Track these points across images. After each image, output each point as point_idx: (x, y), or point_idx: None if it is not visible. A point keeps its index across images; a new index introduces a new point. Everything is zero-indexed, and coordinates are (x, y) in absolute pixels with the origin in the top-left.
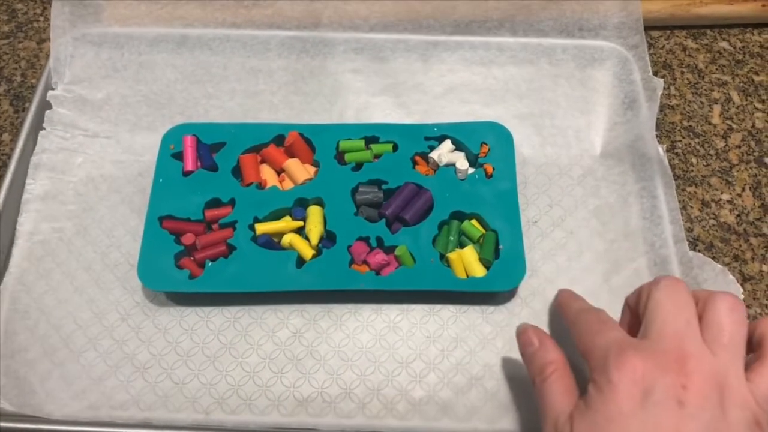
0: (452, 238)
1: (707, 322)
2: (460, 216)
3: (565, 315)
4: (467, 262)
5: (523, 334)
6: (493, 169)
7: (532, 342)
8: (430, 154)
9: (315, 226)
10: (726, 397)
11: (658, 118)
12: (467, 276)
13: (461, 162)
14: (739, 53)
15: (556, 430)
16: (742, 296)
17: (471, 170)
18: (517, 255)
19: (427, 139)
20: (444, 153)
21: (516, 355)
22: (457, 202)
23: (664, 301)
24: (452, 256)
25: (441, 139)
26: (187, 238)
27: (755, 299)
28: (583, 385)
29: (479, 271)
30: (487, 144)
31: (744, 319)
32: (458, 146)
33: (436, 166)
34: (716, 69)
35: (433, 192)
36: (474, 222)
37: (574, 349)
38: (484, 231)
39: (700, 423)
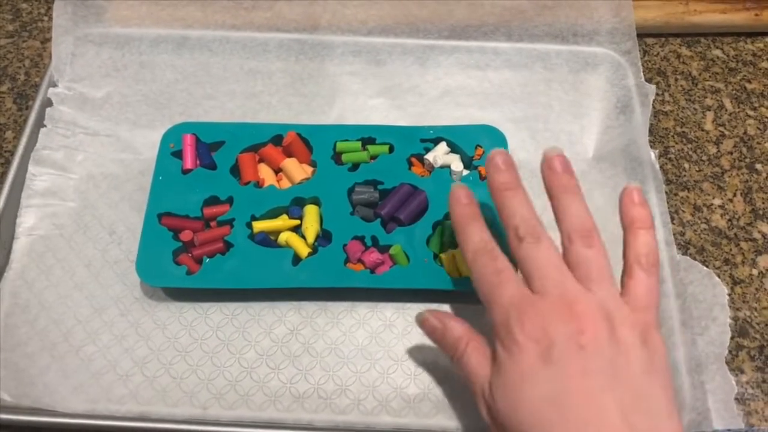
0: (446, 239)
1: (573, 264)
2: None
3: (461, 243)
4: (460, 262)
5: (424, 323)
6: None
7: (435, 327)
8: (426, 156)
9: (311, 225)
10: (615, 326)
11: (652, 124)
12: (460, 275)
13: (456, 164)
14: (732, 61)
15: (484, 399)
16: (729, 299)
17: (466, 172)
18: (508, 255)
19: (422, 141)
20: (439, 155)
21: None
22: None
23: (535, 255)
24: (446, 256)
25: (436, 141)
26: (186, 235)
27: (745, 302)
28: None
29: None
30: (482, 147)
31: (601, 247)
32: (453, 148)
33: (431, 168)
34: (709, 76)
35: (428, 193)
36: None
37: None
38: None
39: (603, 358)
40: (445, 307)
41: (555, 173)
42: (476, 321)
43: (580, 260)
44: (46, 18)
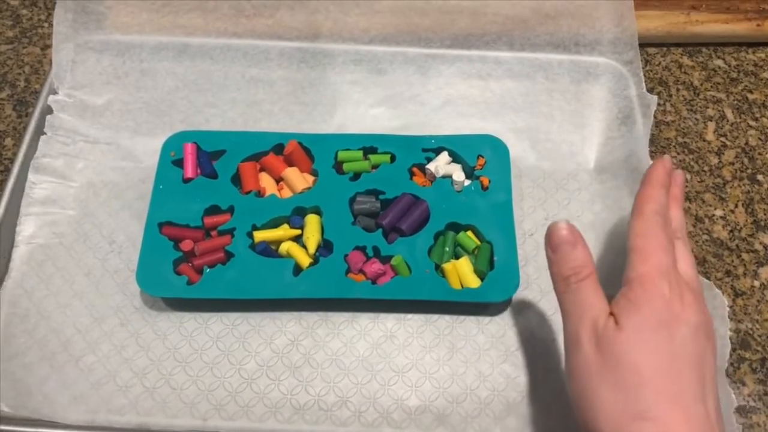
0: (448, 249)
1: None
2: (455, 227)
3: (642, 199)
4: (462, 272)
5: (557, 230)
6: (489, 181)
7: (567, 239)
8: (427, 166)
9: (312, 235)
10: (709, 327)
11: (653, 134)
12: (462, 286)
13: (458, 174)
14: (733, 71)
15: (595, 328)
16: (731, 311)
17: (467, 182)
18: (511, 266)
19: (424, 150)
20: (441, 165)
21: (509, 366)
22: (453, 213)
23: (686, 251)
24: (447, 266)
25: (438, 151)
26: (186, 245)
27: (746, 314)
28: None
29: (474, 282)
30: (484, 157)
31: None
32: (455, 158)
33: (433, 178)
34: (711, 86)
35: (430, 203)
36: (469, 233)
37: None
38: (479, 242)
39: (713, 359)
40: (447, 319)
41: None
42: (479, 334)
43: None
44: (46, 24)
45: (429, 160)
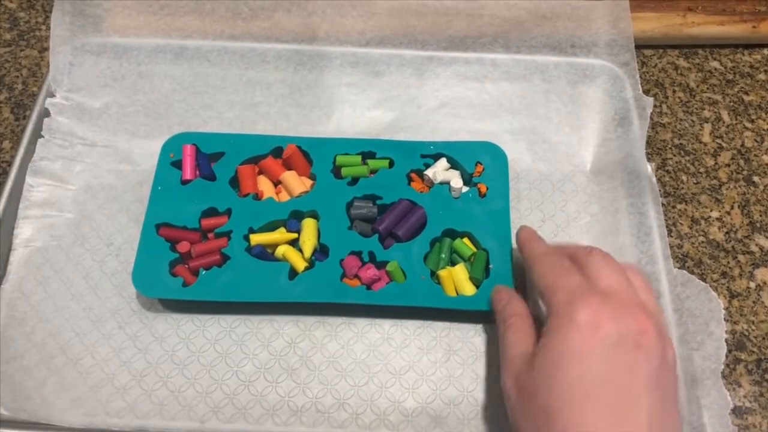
0: (443, 256)
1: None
2: (452, 234)
3: (528, 254)
4: (457, 280)
5: (496, 293)
6: (487, 188)
7: (503, 298)
8: (426, 172)
9: (309, 239)
10: (665, 343)
11: (649, 136)
12: (457, 294)
13: (456, 180)
14: (729, 73)
15: (515, 372)
16: (726, 312)
17: (465, 189)
18: (506, 275)
19: (423, 156)
20: (439, 171)
21: None
22: (449, 220)
23: (602, 263)
24: (443, 273)
25: (437, 157)
26: (183, 246)
27: (742, 315)
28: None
29: (469, 289)
30: (482, 164)
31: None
32: (453, 165)
33: (431, 184)
34: (707, 88)
35: (427, 209)
36: (466, 240)
37: None
38: (475, 250)
39: (652, 364)
40: (441, 325)
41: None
42: (475, 337)
43: (633, 278)
44: (43, 27)
45: (427, 166)
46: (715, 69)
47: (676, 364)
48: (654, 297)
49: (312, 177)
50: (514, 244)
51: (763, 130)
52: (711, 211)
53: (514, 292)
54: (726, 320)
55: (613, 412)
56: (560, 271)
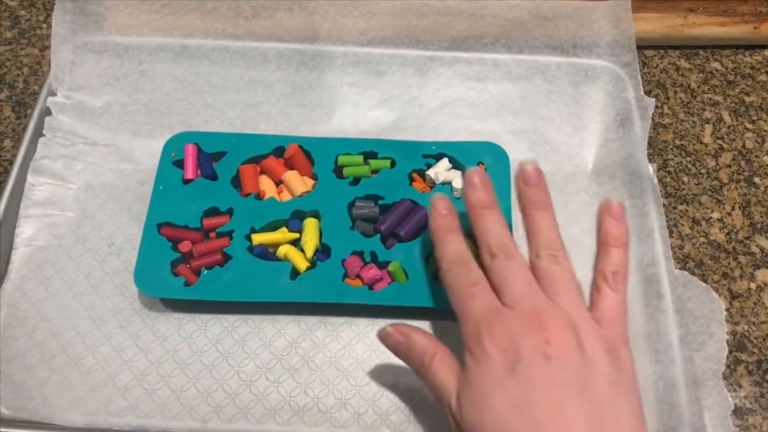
0: None
1: (539, 278)
2: None
3: (438, 253)
4: None
5: (387, 338)
6: None
7: (399, 341)
8: (427, 172)
9: (310, 239)
10: (581, 338)
11: (651, 137)
12: None
13: (458, 181)
14: (730, 74)
15: (450, 411)
16: (727, 313)
17: None
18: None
19: (425, 156)
20: (441, 171)
21: None
22: None
23: (506, 270)
24: None
25: (438, 157)
26: (184, 246)
27: (743, 316)
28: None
29: None
30: (484, 164)
31: (567, 263)
32: (455, 165)
33: (432, 184)
34: (708, 89)
35: (429, 209)
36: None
37: None
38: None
39: (568, 369)
40: (443, 325)
41: (529, 187)
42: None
43: (545, 274)
44: (45, 25)
45: (429, 166)
46: (716, 70)
47: (613, 345)
48: (568, 275)
49: (314, 177)
50: (519, 240)
51: (764, 131)
52: (712, 212)
53: (405, 327)
54: (727, 321)
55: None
56: (467, 291)
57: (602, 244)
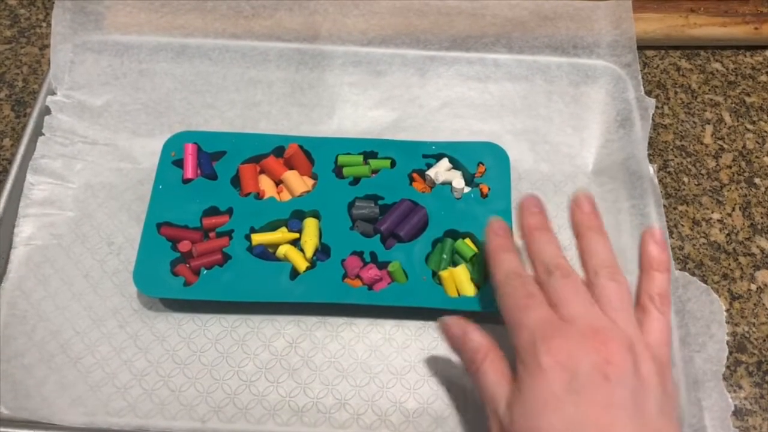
0: (445, 257)
1: (597, 295)
2: (454, 234)
3: (493, 270)
4: (459, 280)
5: (445, 329)
6: (489, 189)
7: (455, 335)
8: (427, 172)
9: (310, 239)
10: (638, 359)
11: (651, 137)
12: (458, 294)
13: (458, 181)
14: (731, 74)
15: (498, 419)
16: (727, 314)
17: (467, 189)
18: None
19: (425, 156)
20: (441, 171)
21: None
22: (451, 220)
23: (563, 288)
24: (444, 274)
25: (439, 157)
26: (184, 246)
27: (743, 317)
28: (512, 356)
29: (470, 290)
30: (484, 164)
31: (624, 281)
32: (455, 165)
33: (432, 184)
34: (709, 90)
35: (429, 210)
36: (467, 241)
37: None
38: (477, 250)
39: (626, 389)
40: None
41: (583, 213)
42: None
43: (603, 290)
44: (44, 24)
45: (429, 166)
46: (717, 70)
47: (662, 368)
48: (624, 294)
49: (313, 176)
50: (519, 240)
51: (765, 131)
52: (712, 212)
53: (465, 321)
54: (727, 322)
55: None
56: (523, 302)
57: (646, 268)
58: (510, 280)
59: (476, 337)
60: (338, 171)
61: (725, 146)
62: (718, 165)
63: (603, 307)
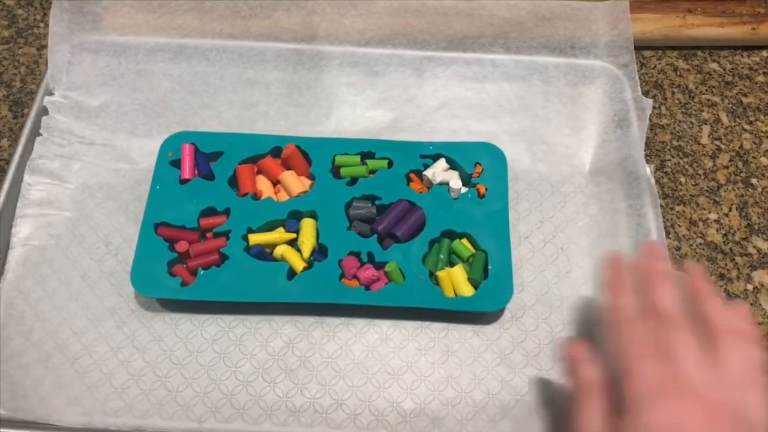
0: (442, 257)
1: (721, 362)
2: (451, 235)
3: (609, 307)
4: (456, 281)
5: (568, 350)
6: (486, 189)
7: (576, 357)
8: (425, 172)
9: (307, 239)
10: (753, 427)
11: (648, 137)
12: (455, 294)
13: (455, 181)
14: (728, 75)
15: None
16: None
17: (464, 190)
18: (505, 276)
19: (422, 156)
20: (438, 171)
21: (504, 369)
22: (448, 220)
23: (683, 342)
24: (441, 274)
25: (436, 158)
26: (181, 246)
27: None
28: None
29: (467, 290)
30: (481, 165)
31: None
32: (453, 165)
33: (430, 184)
34: (706, 90)
35: (426, 210)
36: (464, 241)
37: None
38: (474, 250)
39: None
40: (439, 326)
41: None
42: (473, 338)
43: (729, 356)
44: (42, 24)
45: (426, 166)
46: (714, 71)
47: None
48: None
49: (311, 177)
50: (513, 239)
51: (762, 132)
52: (709, 213)
53: (586, 349)
54: None
55: None
56: (640, 351)
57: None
58: (629, 324)
59: (593, 368)
60: (335, 171)
61: (722, 146)
62: (715, 165)
63: (724, 375)
